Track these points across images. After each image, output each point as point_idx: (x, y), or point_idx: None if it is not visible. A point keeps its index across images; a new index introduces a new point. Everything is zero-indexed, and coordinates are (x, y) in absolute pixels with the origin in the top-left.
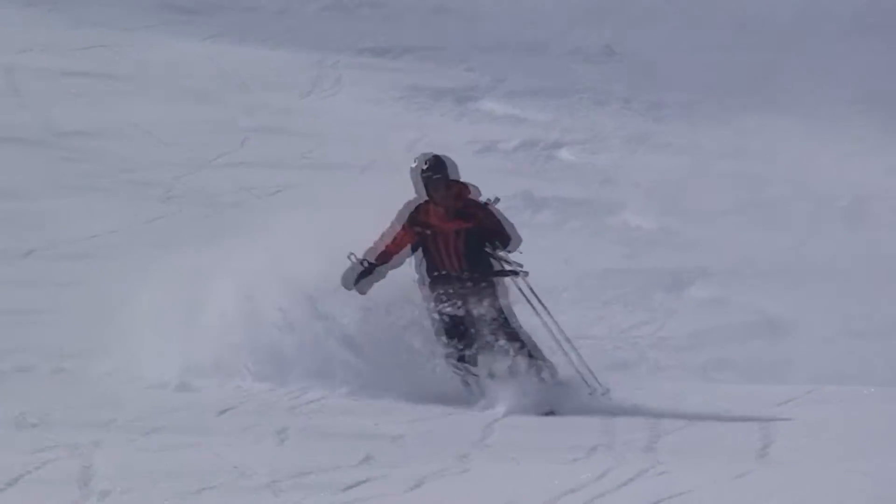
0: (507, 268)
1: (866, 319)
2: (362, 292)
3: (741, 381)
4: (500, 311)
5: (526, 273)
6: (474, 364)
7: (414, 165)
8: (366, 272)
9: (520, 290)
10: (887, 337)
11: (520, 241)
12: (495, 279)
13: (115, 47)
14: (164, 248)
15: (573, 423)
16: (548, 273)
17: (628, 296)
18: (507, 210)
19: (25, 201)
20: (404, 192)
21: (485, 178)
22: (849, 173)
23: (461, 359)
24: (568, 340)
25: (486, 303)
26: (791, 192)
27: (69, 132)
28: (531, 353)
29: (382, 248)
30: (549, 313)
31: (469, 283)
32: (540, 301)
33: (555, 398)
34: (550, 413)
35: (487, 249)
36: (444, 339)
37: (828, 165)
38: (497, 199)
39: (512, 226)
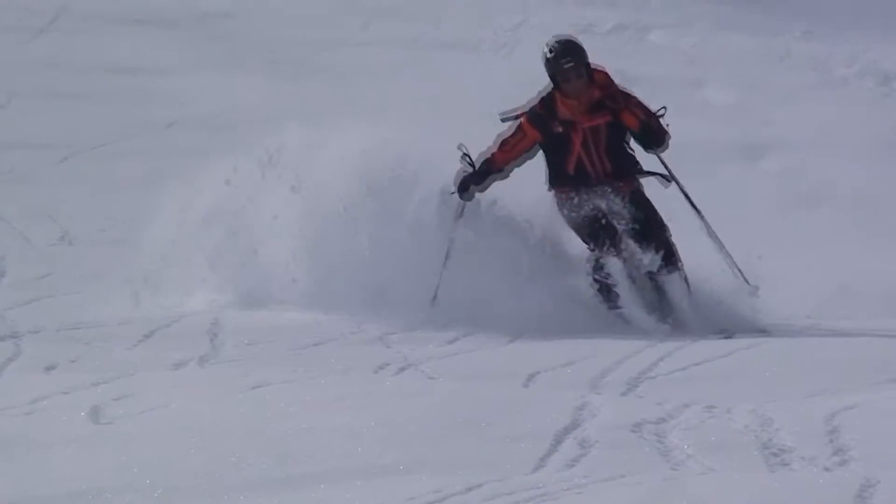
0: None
1: None
2: (468, 200)
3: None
4: (643, 211)
5: (669, 181)
6: (613, 275)
7: (544, 51)
8: (476, 177)
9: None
10: None
11: (667, 138)
12: (639, 178)
13: None
14: (295, 123)
15: None
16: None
17: (708, 163)
18: None
19: (169, 78)
20: (508, 69)
21: None
22: None
23: (601, 267)
24: (719, 241)
25: (627, 202)
26: (857, 71)
27: (209, 14)
28: (673, 259)
29: (491, 153)
30: (700, 214)
31: (612, 184)
32: (691, 202)
33: (721, 317)
34: (725, 333)
35: (629, 146)
36: (590, 243)
37: (891, 49)
38: (664, 110)
39: (658, 119)
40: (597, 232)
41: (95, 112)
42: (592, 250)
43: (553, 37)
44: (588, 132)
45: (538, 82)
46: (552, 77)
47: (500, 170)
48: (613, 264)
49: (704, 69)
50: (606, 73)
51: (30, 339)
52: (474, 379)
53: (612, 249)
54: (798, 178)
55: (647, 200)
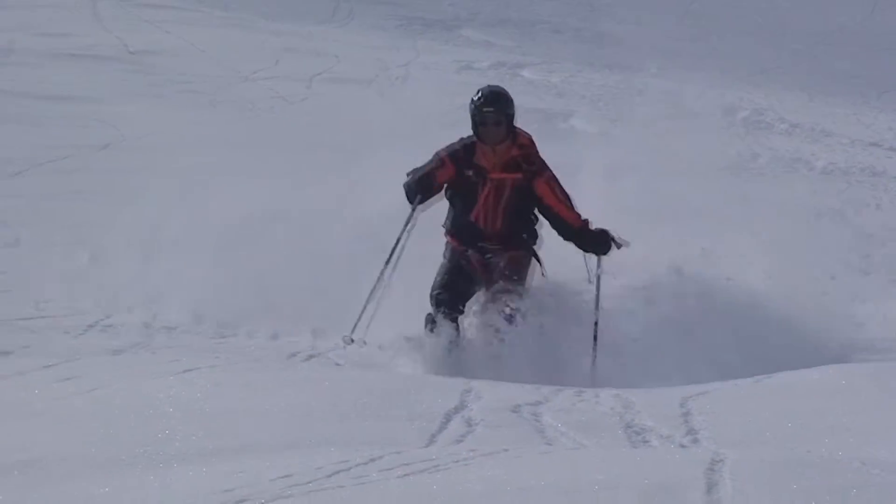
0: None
1: (759, 202)
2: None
3: None
4: (520, 287)
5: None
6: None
7: (473, 96)
8: (422, 189)
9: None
10: (775, 218)
11: (610, 244)
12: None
13: None
14: (211, 146)
15: None
16: None
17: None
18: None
19: (103, 105)
20: (398, 101)
21: (463, 90)
22: (749, 92)
23: (444, 307)
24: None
25: (508, 275)
26: (704, 105)
27: (139, 51)
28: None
29: (432, 178)
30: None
31: (502, 250)
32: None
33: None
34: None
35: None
36: (441, 287)
37: (733, 85)
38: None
39: (570, 204)
40: (453, 289)
41: (40, 134)
42: (437, 306)
43: (487, 85)
44: (494, 185)
45: (424, 114)
46: (472, 119)
47: (439, 189)
48: (448, 327)
49: (571, 102)
50: (531, 138)
51: None
52: (375, 367)
53: (453, 314)
54: (651, 194)
55: (523, 272)
